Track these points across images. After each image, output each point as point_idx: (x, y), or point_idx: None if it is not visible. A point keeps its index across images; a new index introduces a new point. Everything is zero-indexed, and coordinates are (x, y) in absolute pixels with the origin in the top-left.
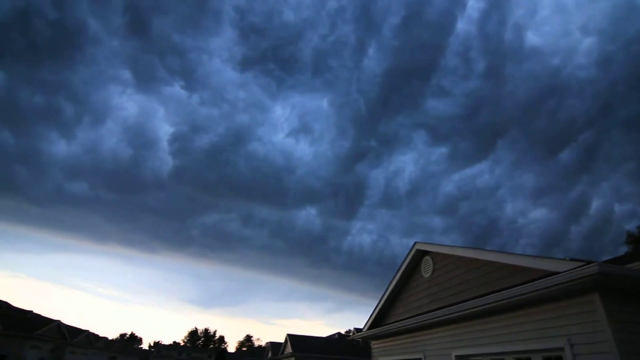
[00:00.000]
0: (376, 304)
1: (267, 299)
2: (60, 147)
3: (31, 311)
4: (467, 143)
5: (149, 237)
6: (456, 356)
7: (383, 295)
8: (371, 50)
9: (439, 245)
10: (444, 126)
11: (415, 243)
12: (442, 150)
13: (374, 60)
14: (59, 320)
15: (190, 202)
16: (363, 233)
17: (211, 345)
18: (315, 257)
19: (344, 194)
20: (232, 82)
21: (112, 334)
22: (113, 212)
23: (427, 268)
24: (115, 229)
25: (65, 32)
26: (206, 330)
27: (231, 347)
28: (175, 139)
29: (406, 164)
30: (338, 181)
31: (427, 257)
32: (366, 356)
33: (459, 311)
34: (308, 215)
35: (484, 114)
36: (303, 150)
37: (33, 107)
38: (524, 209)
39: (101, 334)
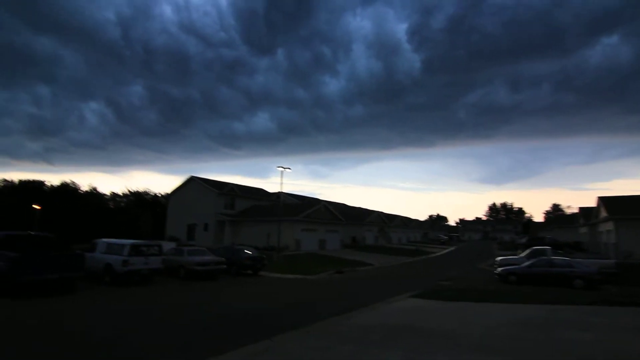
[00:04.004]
0: None
1: (568, 163)
2: (333, 86)
3: (360, 207)
4: None
5: (424, 132)
6: None
7: None
8: None
9: None
10: None
11: None
12: None
13: None
14: (379, 211)
15: (448, 88)
16: None
17: (515, 217)
18: (630, 99)
19: None
20: None
21: (422, 216)
22: (388, 120)
23: None
24: (394, 134)
25: None
26: (504, 204)
27: (537, 218)
28: (412, 33)
29: None
30: None
31: None
32: None
33: None
34: (606, 49)
35: None
36: None
37: (307, 61)
38: None
39: (413, 217)
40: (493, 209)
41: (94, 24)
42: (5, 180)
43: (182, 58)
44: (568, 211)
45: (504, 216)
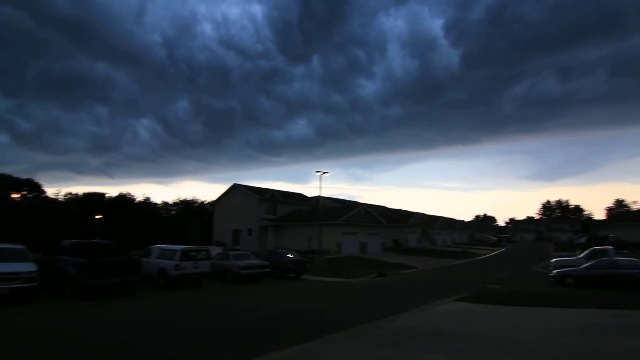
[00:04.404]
0: None
1: (631, 155)
2: (368, 88)
3: (400, 209)
4: None
5: (466, 129)
6: None
7: None
8: None
9: None
10: None
11: None
12: None
13: None
14: (421, 212)
15: (491, 81)
16: None
17: (572, 216)
18: None
19: None
20: None
21: (468, 217)
22: (427, 119)
23: None
24: (434, 133)
25: None
26: (559, 201)
27: (598, 215)
28: (448, 28)
29: None
30: None
31: None
32: None
33: None
34: None
35: None
36: None
37: (342, 66)
38: None
39: (457, 218)
40: (547, 207)
41: (143, 46)
42: (71, 194)
43: (223, 72)
44: (634, 207)
45: (560, 214)
